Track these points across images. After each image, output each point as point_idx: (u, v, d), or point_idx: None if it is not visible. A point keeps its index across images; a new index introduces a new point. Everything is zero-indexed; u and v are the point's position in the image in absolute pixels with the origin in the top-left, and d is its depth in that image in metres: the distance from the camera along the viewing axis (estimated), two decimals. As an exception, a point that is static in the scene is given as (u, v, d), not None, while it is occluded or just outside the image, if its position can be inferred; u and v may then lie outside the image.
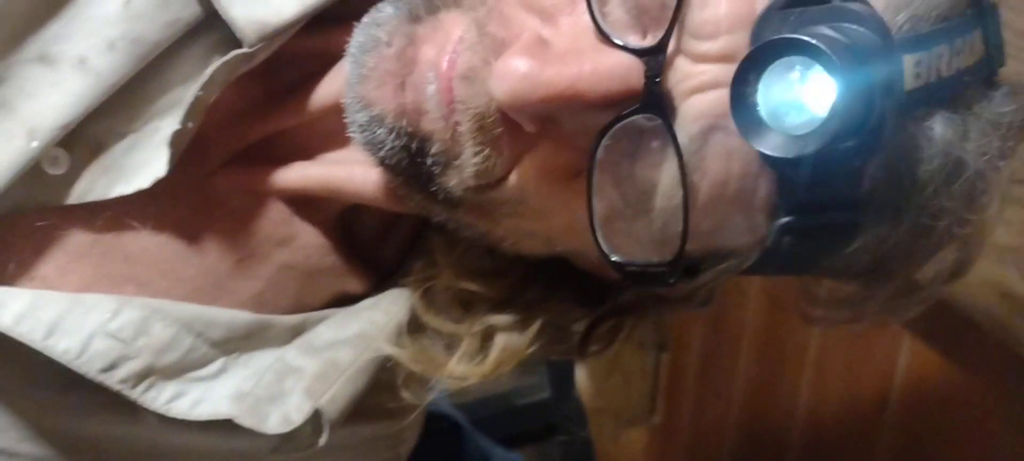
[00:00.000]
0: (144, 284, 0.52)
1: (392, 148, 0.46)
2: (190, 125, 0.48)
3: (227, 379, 0.52)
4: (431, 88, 0.45)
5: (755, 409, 1.33)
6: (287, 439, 0.53)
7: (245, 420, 0.51)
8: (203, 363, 0.52)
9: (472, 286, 0.55)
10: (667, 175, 0.42)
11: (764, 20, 0.40)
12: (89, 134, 0.49)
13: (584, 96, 0.41)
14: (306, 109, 0.52)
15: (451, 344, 0.55)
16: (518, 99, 0.41)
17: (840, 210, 0.43)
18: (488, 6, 0.45)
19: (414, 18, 0.46)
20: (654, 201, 0.43)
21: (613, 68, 0.42)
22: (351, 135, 0.47)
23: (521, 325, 0.55)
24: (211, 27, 0.49)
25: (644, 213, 0.44)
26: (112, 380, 0.49)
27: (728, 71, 0.39)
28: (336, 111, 0.49)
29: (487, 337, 0.55)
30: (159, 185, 0.48)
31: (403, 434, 0.63)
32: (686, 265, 0.48)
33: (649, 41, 0.42)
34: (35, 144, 0.47)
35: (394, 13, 0.46)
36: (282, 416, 0.52)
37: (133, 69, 0.48)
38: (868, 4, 0.40)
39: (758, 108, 0.38)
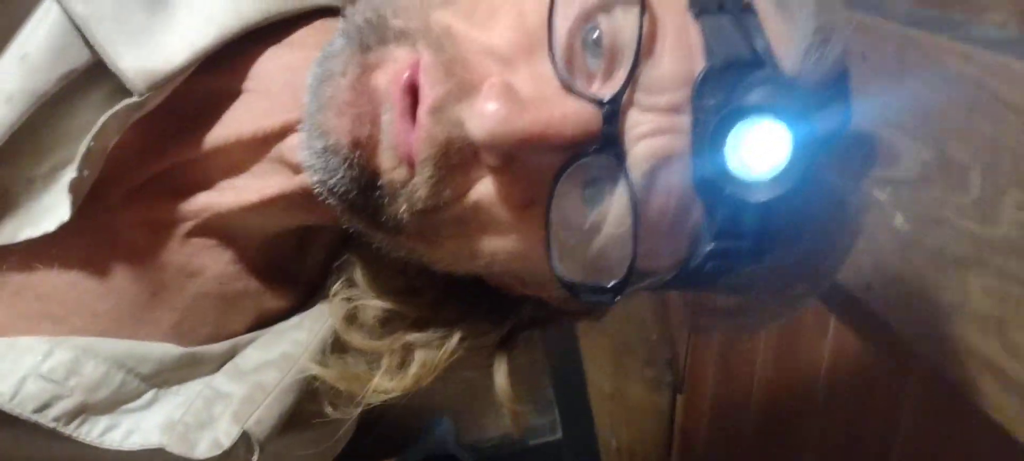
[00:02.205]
0: (60, 320, 0.54)
1: (343, 177, 0.49)
2: (86, 173, 0.50)
3: (158, 409, 0.55)
4: (387, 117, 0.48)
5: (769, 452, 1.32)
6: (221, 458, 0.55)
7: (175, 448, 0.54)
8: (134, 396, 0.54)
9: (391, 305, 0.59)
10: (617, 207, 0.48)
11: (704, 81, 0.46)
12: None
13: (552, 140, 0.46)
14: (204, 144, 0.54)
15: (373, 361, 0.59)
16: (497, 140, 0.46)
17: (753, 239, 0.49)
18: (448, 52, 0.48)
19: (364, 48, 0.49)
20: (603, 229, 0.49)
21: (577, 115, 0.46)
22: (303, 162, 0.50)
23: (439, 341, 0.59)
24: (107, 74, 0.51)
25: (591, 239, 0.49)
26: (45, 419, 0.51)
27: (672, 120, 0.46)
28: (236, 146, 0.52)
29: (407, 353, 0.59)
30: (64, 226, 0.50)
31: (339, 439, 0.65)
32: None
33: (606, 91, 0.47)
34: None
35: (345, 44, 0.49)
36: (211, 441, 0.55)
37: (27, 117, 0.50)
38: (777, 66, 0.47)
39: (727, 164, 0.45)
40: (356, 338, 0.59)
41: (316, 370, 0.58)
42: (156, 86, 0.50)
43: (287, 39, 0.56)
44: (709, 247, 0.49)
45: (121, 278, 0.55)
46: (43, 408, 0.51)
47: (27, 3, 0.50)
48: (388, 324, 0.59)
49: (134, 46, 0.50)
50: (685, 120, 0.47)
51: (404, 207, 0.49)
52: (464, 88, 0.47)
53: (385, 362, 0.58)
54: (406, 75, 0.47)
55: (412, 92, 0.48)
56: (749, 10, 0.48)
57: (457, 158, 0.48)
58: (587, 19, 0.48)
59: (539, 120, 0.46)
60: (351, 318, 0.59)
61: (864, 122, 0.55)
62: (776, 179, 0.45)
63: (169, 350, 0.55)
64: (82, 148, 0.49)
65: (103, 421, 0.53)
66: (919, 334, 0.79)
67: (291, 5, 0.56)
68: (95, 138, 0.49)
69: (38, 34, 0.50)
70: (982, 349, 0.72)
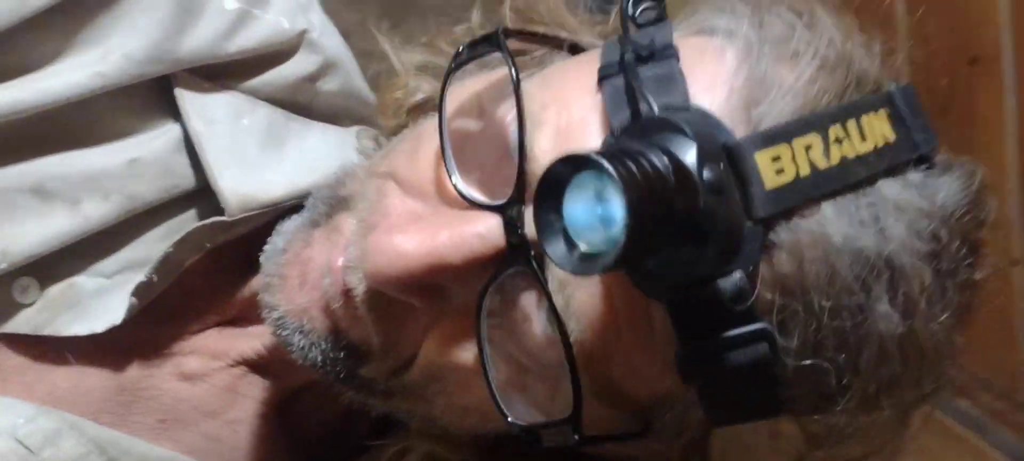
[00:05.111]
0: (58, 399, 0.51)
1: (302, 348, 0.46)
2: (155, 279, 0.49)
3: None
4: (326, 281, 0.45)
5: None
6: None
7: None
8: None
9: (445, 451, 0.52)
10: (551, 326, 0.41)
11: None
12: (62, 268, 0.50)
13: (447, 261, 0.40)
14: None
15: None
16: (379, 275, 0.41)
17: (737, 325, 0.38)
18: (369, 200, 0.45)
19: (314, 224, 0.48)
20: (547, 357, 0.42)
21: (474, 229, 0.41)
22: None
23: None
24: (205, 195, 0.51)
25: (547, 372, 0.42)
26: None
27: None
28: None
29: None
30: (112, 330, 0.49)
31: None
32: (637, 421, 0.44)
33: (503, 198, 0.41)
34: (3, 265, 0.48)
35: (296, 224, 0.48)
36: None
37: (120, 218, 0.50)
38: (696, 109, 0.38)
39: (564, 232, 0.34)
40: None
41: None
42: (249, 210, 0.50)
43: None
44: (679, 351, 0.39)
45: (138, 397, 0.53)
46: None
47: (151, 117, 0.52)
48: None
49: (238, 172, 0.51)
50: None
51: (374, 366, 0.47)
52: (367, 233, 0.44)
53: None
54: (343, 245, 0.45)
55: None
56: (661, 56, 0.40)
57: (394, 305, 0.43)
58: (479, 121, 0.44)
59: (421, 244, 0.40)
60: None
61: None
62: (608, 250, 0.32)
63: (153, 449, 0.52)
64: (160, 253, 0.49)
65: None
66: None
67: None
68: (175, 245, 0.49)
69: (154, 144, 0.51)
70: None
